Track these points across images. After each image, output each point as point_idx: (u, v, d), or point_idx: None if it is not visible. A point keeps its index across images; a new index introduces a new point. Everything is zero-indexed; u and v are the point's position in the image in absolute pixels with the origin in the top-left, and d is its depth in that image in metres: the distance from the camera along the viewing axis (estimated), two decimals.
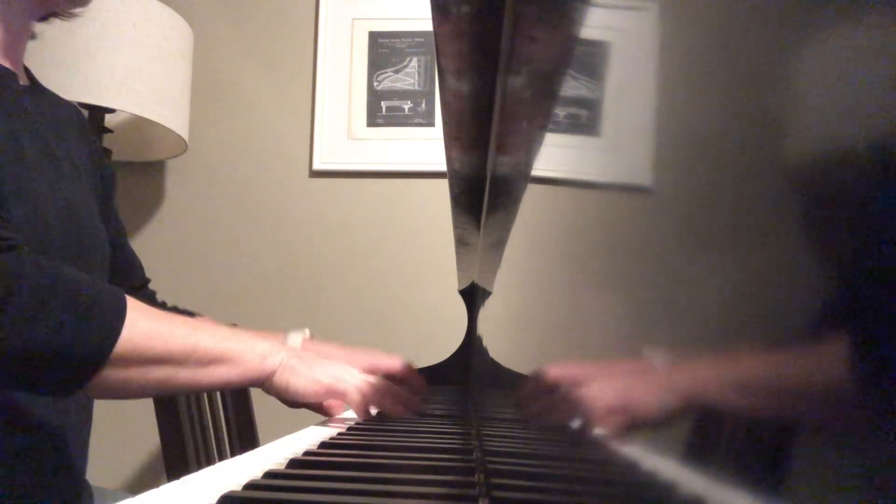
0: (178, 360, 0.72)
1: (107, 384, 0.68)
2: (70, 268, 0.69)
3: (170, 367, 0.72)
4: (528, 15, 0.40)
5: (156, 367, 0.71)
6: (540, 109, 0.46)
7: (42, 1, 0.85)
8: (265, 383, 0.79)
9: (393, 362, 1.03)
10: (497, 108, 0.54)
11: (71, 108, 0.99)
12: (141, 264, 1.09)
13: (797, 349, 0.12)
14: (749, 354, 0.14)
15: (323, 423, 0.81)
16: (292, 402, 0.82)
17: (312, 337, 1.07)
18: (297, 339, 1.03)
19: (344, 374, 0.82)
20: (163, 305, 1.09)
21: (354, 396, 0.80)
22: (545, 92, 0.44)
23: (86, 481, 0.89)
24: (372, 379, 0.85)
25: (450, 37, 0.47)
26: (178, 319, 0.76)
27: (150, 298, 1.08)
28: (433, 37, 0.47)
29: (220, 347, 0.76)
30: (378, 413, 0.86)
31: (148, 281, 1.10)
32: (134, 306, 0.71)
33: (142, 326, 0.70)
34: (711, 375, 0.16)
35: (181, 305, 1.15)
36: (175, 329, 0.73)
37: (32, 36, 0.90)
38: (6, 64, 0.83)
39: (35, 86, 0.91)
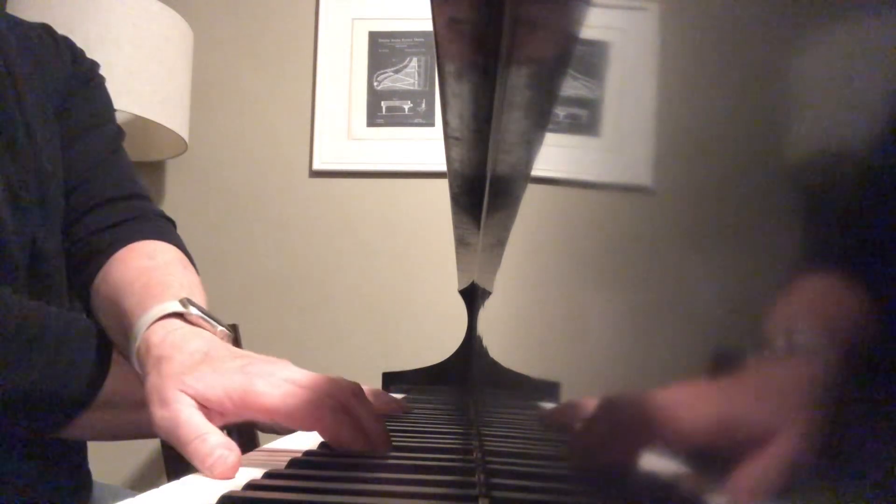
0: None
1: (87, 428, 0.66)
2: (57, 309, 0.66)
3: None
4: (528, 15, 0.40)
5: (140, 409, 0.66)
6: (540, 109, 0.46)
7: None
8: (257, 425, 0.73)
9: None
10: (497, 107, 0.54)
11: (27, 35, 0.79)
12: (134, 180, 0.85)
13: (798, 348, 0.12)
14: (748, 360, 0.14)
15: None
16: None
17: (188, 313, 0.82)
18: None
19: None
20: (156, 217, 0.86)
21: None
22: (545, 92, 0.44)
23: (87, 472, 0.88)
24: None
25: (450, 36, 0.47)
26: None
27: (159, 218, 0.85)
28: (433, 37, 0.47)
29: None
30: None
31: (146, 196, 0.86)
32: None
33: (126, 368, 0.65)
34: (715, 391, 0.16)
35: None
36: None
37: None
38: None
39: None
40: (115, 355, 0.67)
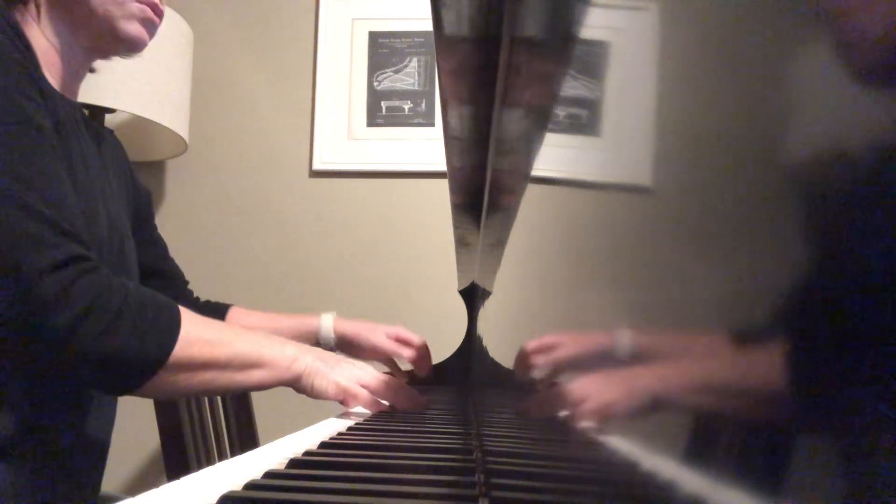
0: (221, 365, 0.83)
1: (161, 386, 0.78)
2: (134, 284, 0.80)
3: (214, 372, 0.82)
4: (528, 15, 0.40)
5: (202, 372, 0.81)
6: (539, 109, 0.46)
7: (98, 49, 0.95)
8: (294, 384, 0.89)
9: (414, 337, 1.25)
10: (497, 108, 0.54)
11: (111, 136, 1.10)
12: (181, 272, 1.23)
13: (795, 348, 0.12)
14: (744, 353, 0.14)
15: (341, 416, 0.91)
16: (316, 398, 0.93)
17: (337, 316, 1.23)
18: (328, 320, 1.21)
19: (361, 376, 0.93)
20: (197, 300, 1.24)
21: (366, 400, 0.91)
22: (545, 92, 0.44)
23: (100, 496, 0.95)
24: (384, 377, 0.96)
25: (450, 37, 0.47)
26: (223, 327, 0.88)
27: (189, 299, 1.22)
28: (433, 37, 0.47)
29: (257, 353, 0.86)
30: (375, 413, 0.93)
31: (187, 283, 1.24)
32: (187, 317, 0.81)
33: (193, 335, 0.80)
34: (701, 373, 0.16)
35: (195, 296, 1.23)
36: (221, 336, 0.84)
37: (91, 70, 1.01)
38: (68, 97, 0.93)
39: (84, 116, 1.00)
40: (186, 326, 0.79)
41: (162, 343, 0.77)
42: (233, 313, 1.21)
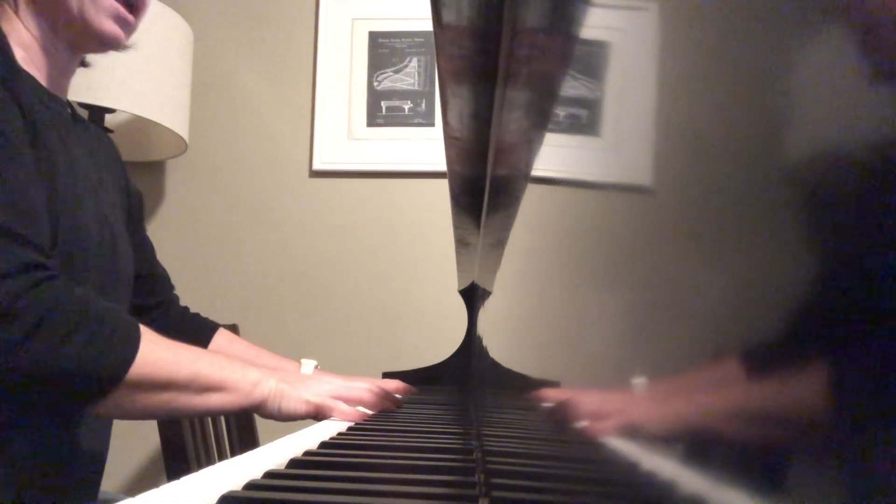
0: (181, 386, 0.79)
1: (116, 405, 0.75)
2: (96, 296, 0.76)
3: (173, 393, 0.78)
4: (528, 14, 0.40)
5: (160, 393, 0.77)
6: (539, 109, 0.46)
7: (78, 44, 0.92)
8: (258, 409, 0.85)
9: (388, 385, 1.20)
10: (497, 108, 0.54)
11: (103, 136, 1.09)
12: (168, 276, 1.19)
13: (797, 351, 0.12)
14: (741, 362, 0.14)
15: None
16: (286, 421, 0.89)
17: (318, 367, 1.20)
18: (309, 368, 1.16)
19: (330, 389, 0.89)
20: (185, 310, 1.19)
21: (341, 412, 0.87)
22: (545, 92, 0.44)
23: (100, 496, 0.94)
24: (354, 385, 0.94)
25: (450, 37, 0.47)
26: (183, 348, 0.82)
27: (175, 304, 1.18)
28: (433, 37, 0.47)
29: (218, 376, 0.82)
30: (375, 413, 0.92)
31: (173, 288, 1.20)
32: (147, 336, 0.77)
33: (152, 355, 0.76)
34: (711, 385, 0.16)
35: (182, 304, 1.20)
36: (181, 358, 0.80)
37: (83, 64, 0.98)
38: (56, 92, 0.91)
39: (75, 114, 0.98)
40: (145, 345, 0.76)
41: (119, 360, 0.73)
42: (218, 337, 1.17)
